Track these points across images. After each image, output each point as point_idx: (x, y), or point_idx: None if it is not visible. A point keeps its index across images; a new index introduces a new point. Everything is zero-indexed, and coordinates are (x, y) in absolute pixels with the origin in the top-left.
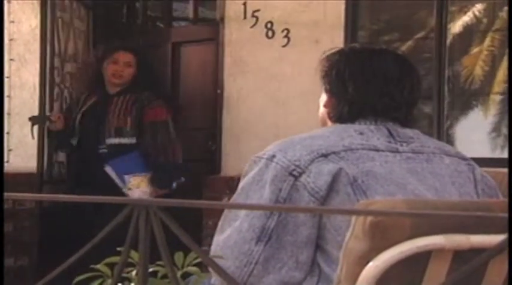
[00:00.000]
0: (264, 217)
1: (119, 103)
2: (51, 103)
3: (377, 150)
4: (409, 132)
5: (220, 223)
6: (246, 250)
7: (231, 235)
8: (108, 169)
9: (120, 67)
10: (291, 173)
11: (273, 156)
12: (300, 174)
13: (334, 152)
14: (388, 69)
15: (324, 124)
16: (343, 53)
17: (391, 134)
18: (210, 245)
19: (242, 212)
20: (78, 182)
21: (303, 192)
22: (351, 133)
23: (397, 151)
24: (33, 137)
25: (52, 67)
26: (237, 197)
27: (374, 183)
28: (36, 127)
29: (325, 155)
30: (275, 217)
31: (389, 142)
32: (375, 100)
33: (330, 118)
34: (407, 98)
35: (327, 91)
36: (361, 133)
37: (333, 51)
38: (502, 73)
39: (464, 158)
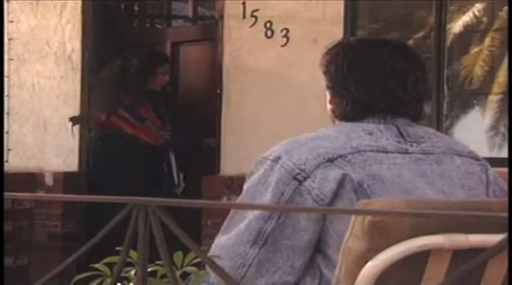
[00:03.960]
0: (261, 220)
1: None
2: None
3: (385, 152)
4: (419, 131)
5: (225, 223)
6: (241, 252)
7: (231, 237)
8: (172, 160)
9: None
10: (295, 177)
11: (279, 158)
12: (305, 179)
13: (340, 156)
14: (389, 63)
15: (333, 120)
16: (341, 46)
17: (401, 133)
18: (209, 244)
19: (248, 215)
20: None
21: (306, 197)
22: (359, 134)
23: (406, 152)
24: (73, 137)
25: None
26: (242, 199)
27: (380, 188)
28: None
29: (331, 160)
30: (273, 221)
31: (399, 142)
32: (378, 98)
33: (336, 116)
34: (413, 93)
35: (329, 88)
36: (370, 133)
37: (332, 44)
38: (501, 73)
39: (477, 158)
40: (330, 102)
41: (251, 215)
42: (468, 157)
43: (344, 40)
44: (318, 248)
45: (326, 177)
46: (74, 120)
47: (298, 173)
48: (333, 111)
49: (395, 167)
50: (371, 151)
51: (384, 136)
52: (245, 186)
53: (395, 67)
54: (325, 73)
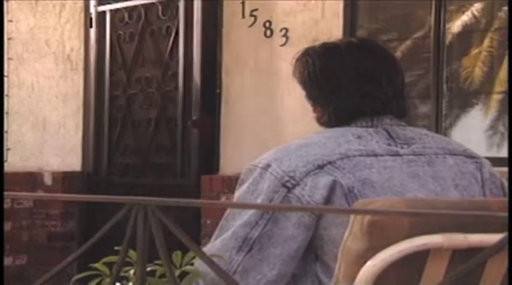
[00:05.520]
0: (248, 227)
1: None
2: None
3: (375, 155)
4: (410, 132)
5: (216, 232)
6: (226, 258)
7: (215, 244)
8: None
9: None
10: (284, 185)
11: (268, 166)
12: (294, 186)
13: (330, 163)
14: (358, 66)
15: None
16: (308, 55)
17: (390, 136)
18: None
19: (235, 224)
20: None
21: (296, 204)
22: (348, 138)
23: (397, 154)
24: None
25: None
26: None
27: (370, 192)
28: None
29: (321, 167)
30: (259, 228)
31: (389, 144)
32: (357, 102)
33: (321, 124)
34: (389, 90)
35: (307, 97)
36: (359, 137)
37: (298, 53)
38: (500, 72)
39: (471, 156)
40: (314, 111)
41: (237, 222)
42: (462, 156)
43: (309, 48)
44: (316, 255)
45: (316, 184)
46: (193, 123)
47: (288, 181)
48: (318, 119)
49: (385, 170)
50: (360, 155)
51: (374, 139)
52: (236, 194)
53: (365, 68)
54: (301, 83)
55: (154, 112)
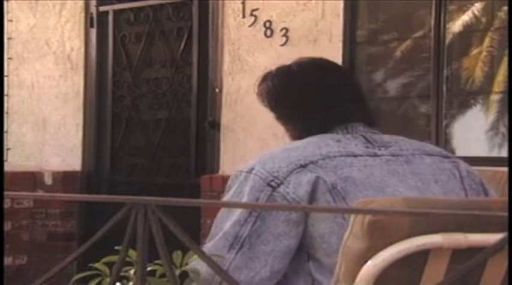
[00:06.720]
0: (237, 225)
1: None
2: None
3: (355, 156)
4: (385, 137)
5: (208, 238)
6: (217, 257)
7: (207, 246)
8: None
9: None
10: (268, 184)
11: (252, 169)
12: (278, 185)
13: (312, 162)
14: (319, 81)
15: None
16: (268, 78)
17: (368, 140)
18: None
19: (225, 225)
20: None
21: (282, 202)
22: (328, 142)
23: (375, 155)
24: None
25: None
26: (222, 213)
27: (353, 188)
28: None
29: (303, 166)
30: (249, 226)
31: (367, 147)
32: (324, 114)
33: (295, 140)
34: (352, 100)
35: (277, 118)
36: (338, 141)
37: (259, 79)
38: (500, 72)
39: (447, 156)
40: (286, 130)
41: (227, 224)
42: (438, 156)
43: (266, 73)
44: (308, 254)
45: (300, 182)
46: (210, 124)
47: (272, 180)
48: (291, 138)
49: (365, 168)
50: (340, 156)
51: (352, 143)
52: (223, 200)
53: (326, 83)
54: (267, 106)
55: (165, 113)
